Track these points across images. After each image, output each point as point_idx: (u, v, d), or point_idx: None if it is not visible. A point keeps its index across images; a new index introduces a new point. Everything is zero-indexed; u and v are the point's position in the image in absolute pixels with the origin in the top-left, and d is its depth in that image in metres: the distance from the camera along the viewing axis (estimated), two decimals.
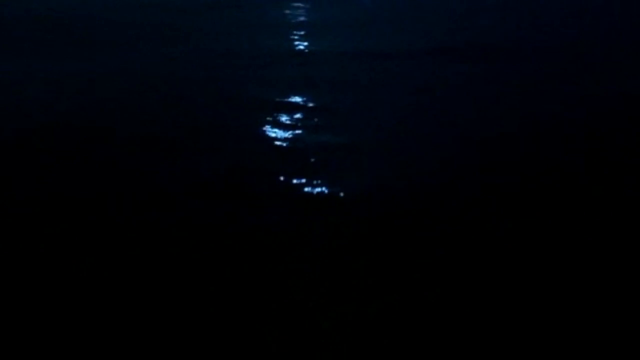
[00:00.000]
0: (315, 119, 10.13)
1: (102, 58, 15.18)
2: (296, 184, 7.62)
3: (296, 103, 11.12)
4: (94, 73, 13.57)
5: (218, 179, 7.73)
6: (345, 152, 8.64)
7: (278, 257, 5.89)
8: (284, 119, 10.13)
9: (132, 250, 6.00)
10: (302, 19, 23.42)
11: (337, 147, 8.83)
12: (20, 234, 6.33)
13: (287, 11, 25.38)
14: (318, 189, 7.48)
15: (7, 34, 18.93)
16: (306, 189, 7.49)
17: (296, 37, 18.55)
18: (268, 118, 10.15)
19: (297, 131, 9.51)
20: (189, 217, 6.69)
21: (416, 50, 16.02)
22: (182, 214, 6.74)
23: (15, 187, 7.56)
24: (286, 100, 11.32)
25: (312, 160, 8.38)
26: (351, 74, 13.54)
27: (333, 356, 4.54)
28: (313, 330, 4.79)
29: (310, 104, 11.04)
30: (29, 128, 9.84)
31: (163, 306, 5.10)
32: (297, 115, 10.32)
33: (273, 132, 9.46)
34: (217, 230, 6.41)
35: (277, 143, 9.05)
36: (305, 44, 17.38)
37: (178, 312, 5.02)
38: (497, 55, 15.56)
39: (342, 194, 7.35)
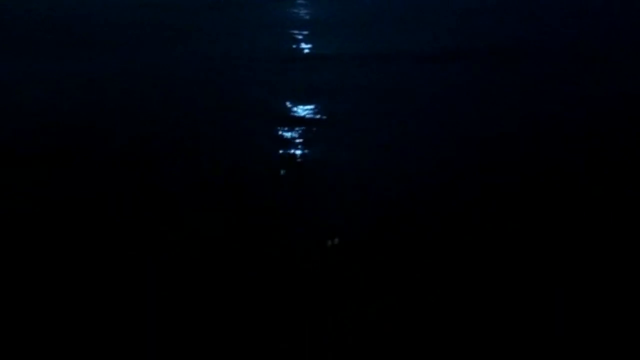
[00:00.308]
0: (316, 129, 9.82)
1: (102, 58, 15.17)
2: (293, 189, 7.61)
3: (297, 111, 10.83)
4: (94, 74, 13.56)
5: (215, 185, 7.65)
6: (343, 160, 8.47)
7: (277, 258, 5.89)
8: (284, 128, 9.85)
9: (130, 251, 5.99)
10: (305, 18, 23.36)
11: (336, 157, 8.64)
12: (20, 234, 6.33)
13: (289, 10, 25.32)
14: (317, 194, 7.47)
15: (7, 34, 18.93)
16: (304, 193, 7.49)
17: (299, 38, 18.48)
18: (267, 126, 9.92)
19: (296, 142, 9.28)
20: (187, 219, 6.68)
21: (417, 52, 15.92)
22: (180, 217, 6.73)
23: (14, 188, 7.55)
24: (287, 107, 11.06)
25: (310, 169, 8.26)
26: (353, 79, 13.29)
27: (333, 357, 4.54)
28: (313, 332, 4.79)
29: (311, 111, 10.77)
30: (29, 128, 9.84)
31: (161, 308, 5.10)
32: (298, 125, 10.01)
33: (272, 142, 9.20)
34: (215, 232, 6.40)
35: (275, 152, 8.81)
36: (309, 45, 17.24)
37: (176, 314, 5.01)
38: (499, 56, 15.48)
39: (341, 198, 7.35)
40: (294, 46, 17.16)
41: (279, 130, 9.72)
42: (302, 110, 10.80)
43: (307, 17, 23.65)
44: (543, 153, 8.66)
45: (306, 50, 16.66)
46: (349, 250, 6.05)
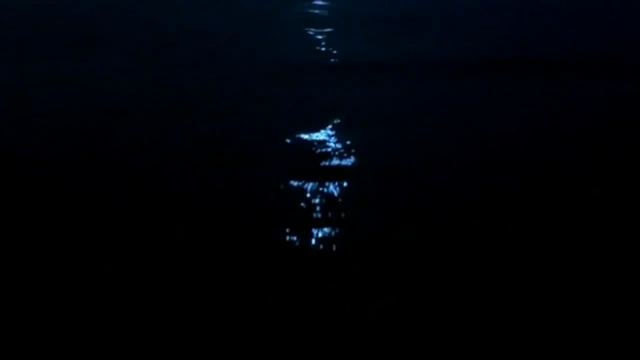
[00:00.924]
0: (335, 182, 7.77)
1: (100, 60, 15.09)
2: (294, 192, 7.60)
3: (301, 136, 9.60)
4: (90, 75, 13.48)
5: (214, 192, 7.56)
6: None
7: (277, 260, 5.89)
8: (285, 159, 8.63)
9: (129, 253, 6.00)
10: (313, 16, 23.03)
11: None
12: (20, 235, 6.33)
13: (293, 7, 24.99)
14: (318, 200, 7.48)
15: (7, 34, 18.91)
16: (305, 197, 7.48)
17: (308, 39, 18.11)
18: (270, 175, 8.22)
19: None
20: (187, 221, 6.68)
21: (433, 62, 14.94)
22: (181, 220, 6.73)
23: (15, 189, 7.55)
24: (296, 140, 9.64)
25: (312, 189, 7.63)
26: (372, 95, 12.21)
27: (332, 356, 4.54)
28: (312, 333, 4.79)
29: (328, 149, 9.02)
30: (29, 128, 9.84)
31: (159, 307, 5.10)
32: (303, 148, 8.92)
33: (272, 166, 8.33)
34: (216, 234, 6.41)
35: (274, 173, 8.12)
36: (324, 49, 16.56)
37: (175, 314, 5.01)
38: (504, 65, 14.82)
39: (342, 199, 7.36)
40: (305, 52, 16.27)
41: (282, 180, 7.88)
42: (316, 149, 9.08)
43: (319, 14, 23.23)
44: (543, 153, 8.69)
45: (322, 58, 15.79)
46: (348, 248, 6.06)
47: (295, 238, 6.29)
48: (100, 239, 6.22)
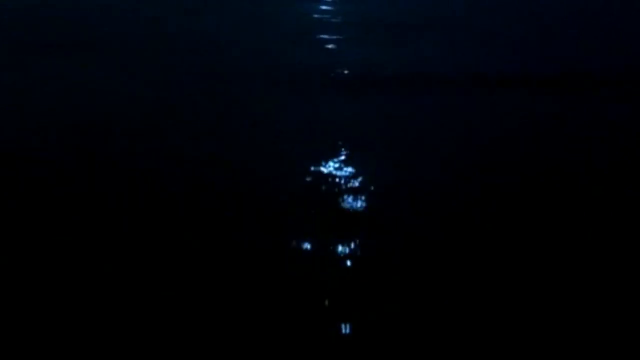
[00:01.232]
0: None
1: (102, 60, 15.09)
2: (295, 194, 7.59)
3: (301, 137, 9.41)
4: (93, 76, 13.48)
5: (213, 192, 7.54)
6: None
7: (279, 261, 5.90)
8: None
9: (131, 255, 6.00)
10: (314, 18, 22.93)
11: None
12: (20, 235, 6.33)
13: (295, 8, 24.91)
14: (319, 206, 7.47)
15: (7, 34, 18.92)
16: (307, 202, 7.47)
17: (310, 42, 17.96)
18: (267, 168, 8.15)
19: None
20: (187, 222, 6.68)
21: (437, 72, 14.24)
22: (180, 221, 6.72)
23: (15, 189, 7.55)
24: (291, 132, 9.64)
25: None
26: (367, 99, 11.90)
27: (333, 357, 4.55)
28: (311, 336, 4.79)
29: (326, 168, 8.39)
30: (29, 128, 9.84)
31: (159, 308, 5.10)
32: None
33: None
34: (216, 235, 6.41)
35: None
36: (323, 51, 16.28)
37: (174, 315, 5.01)
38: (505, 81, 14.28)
39: (343, 199, 7.35)
40: (308, 53, 16.08)
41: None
42: (316, 150, 8.79)
43: (327, 17, 23.00)
44: (543, 153, 8.68)
45: (323, 59, 15.26)
46: (347, 248, 6.06)
47: (295, 240, 6.29)
48: (100, 239, 6.22)
